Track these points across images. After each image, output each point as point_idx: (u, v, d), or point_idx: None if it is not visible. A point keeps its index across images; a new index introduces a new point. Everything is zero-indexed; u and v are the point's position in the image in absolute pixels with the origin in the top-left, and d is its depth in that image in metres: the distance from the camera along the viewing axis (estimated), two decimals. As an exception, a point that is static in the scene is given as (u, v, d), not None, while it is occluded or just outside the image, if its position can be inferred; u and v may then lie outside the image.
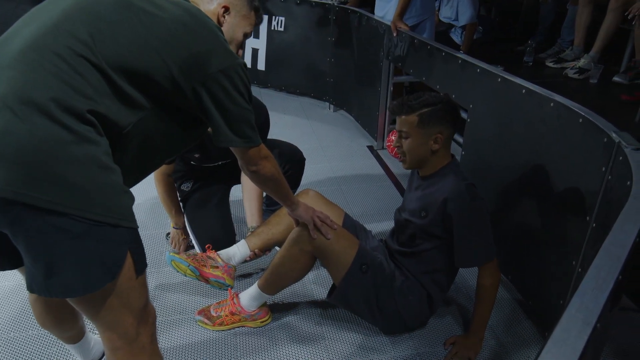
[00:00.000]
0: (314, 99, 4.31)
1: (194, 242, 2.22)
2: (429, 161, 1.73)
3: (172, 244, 2.29)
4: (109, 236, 0.99)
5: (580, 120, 1.63)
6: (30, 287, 1.00)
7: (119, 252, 1.02)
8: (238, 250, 1.95)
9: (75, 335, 1.54)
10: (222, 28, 1.31)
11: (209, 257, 1.91)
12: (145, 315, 1.16)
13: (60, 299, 1.30)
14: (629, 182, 1.24)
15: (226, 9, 1.32)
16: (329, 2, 3.92)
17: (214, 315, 1.88)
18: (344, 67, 3.92)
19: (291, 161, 2.30)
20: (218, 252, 1.95)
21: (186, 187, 2.30)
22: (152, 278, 2.11)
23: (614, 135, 1.47)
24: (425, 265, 1.78)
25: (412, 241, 1.78)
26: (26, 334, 1.82)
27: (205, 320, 1.87)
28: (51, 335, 1.73)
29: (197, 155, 2.19)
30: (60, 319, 1.43)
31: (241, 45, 1.41)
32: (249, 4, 1.37)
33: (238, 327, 1.88)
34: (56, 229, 0.93)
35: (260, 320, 1.89)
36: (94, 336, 1.66)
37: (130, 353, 1.14)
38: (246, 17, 1.37)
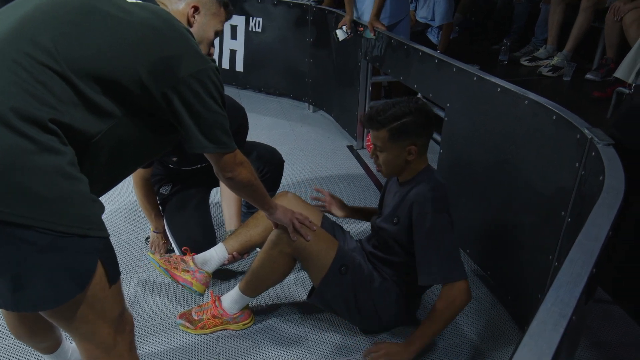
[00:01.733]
0: (293, 99, 4.31)
1: (173, 245, 2.20)
2: (406, 169, 1.73)
3: (151, 247, 2.27)
4: (77, 247, 0.96)
5: (554, 117, 1.67)
6: None
7: (89, 262, 1.00)
8: (215, 254, 1.94)
9: (51, 346, 1.50)
10: (193, 28, 1.30)
11: (182, 261, 1.90)
12: (122, 324, 1.14)
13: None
14: (601, 177, 1.27)
15: (196, 9, 1.30)
16: (306, 3, 3.92)
17: (196, 318, 1.86)
18: (322, 67, 3.93)
19: (270, 163, 2.30)
20: (195, 255, 1.93)
21: (165, 190, 2.27)
22: (131, 283, 2.08)
23: (586, 131, 1.51)
24: (399, 272, 1.79)
25: (385, 249, 1.79)
26: (2, 343, 1.78)
27: (187, 324, 1.86)
28: (26, 346, 1.69)
29: (174, 159, 2.17)
30: (35, 331, 1.39)
31: (212, 44, 1.39)
32: (218, 1, 1.35)
33: (220, 330, 1.87)
34: (21, 241, 0.91)
35: (242, 323, 1.88)
36: (71, 344, 1.61)
37: None
38: (216, 14, 1.35)
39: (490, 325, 1.95)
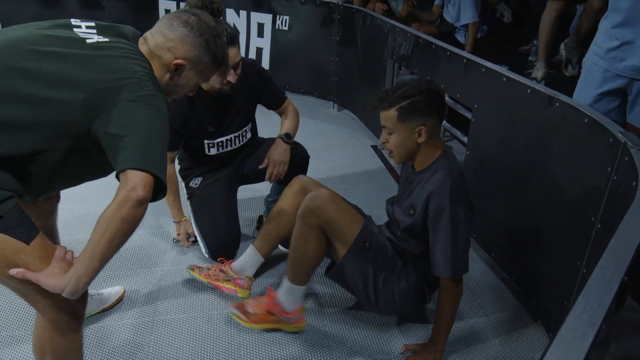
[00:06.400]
0: (318, 98, 4.31)
1: (199, 240, 2.23)
2: (418, 153, 1.67)
3: (178, 236, 2.31)
4: None
5: (586, 120, 1.62)
6: None
7: None
8: (250, 259, 1.99)
9: None
10: (171, 79, 1.32)
11: (222, 271, 1.99)
12: (51, 296, 1.16)
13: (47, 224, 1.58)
14: (634, 183, 1.24)
15: (180, 65, 1.30)
16: (334, 1, 3.91)
17: (251, 312, 1.83)
18: (348, 66, 3.92)
19: (295, 158, 2.29)
20: (232, 264, 2.00)
21: (194, 184, 2.30)
22: (155, 275, 2.12)
23: (619, 135, 1.46)
24: (418, 261, 1.75)
25: (402, 239, 1.77)
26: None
27: (241, 316, 1.83)
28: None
29: (211, 129, 2.18)
30: None
31: (193, 90, 1.41)
32: (212, 60, 1.34)
33: (272, 328, 1.84)
34: None
35: (295, 325, 1.85)
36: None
37: (44, 326, 1.25)
38: (203, 73, 1.36)
39: (514, 332, 1.91)
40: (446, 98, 3.27)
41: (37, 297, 1.20)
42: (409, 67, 3.11)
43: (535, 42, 3.78)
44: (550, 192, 1.82)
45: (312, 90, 4.33)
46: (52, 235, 1.68)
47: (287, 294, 1.81)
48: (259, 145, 2.36)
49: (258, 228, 2.44)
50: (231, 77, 1.99)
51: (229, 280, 1.97)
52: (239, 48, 1.99)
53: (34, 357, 1.35)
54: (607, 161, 1.51)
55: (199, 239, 2.23)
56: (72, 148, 1.17)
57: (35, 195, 1.23)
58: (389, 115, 1.61)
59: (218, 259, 2.10)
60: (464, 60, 2.36)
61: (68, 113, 1.13)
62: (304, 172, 2.34)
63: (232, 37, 1.91)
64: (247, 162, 2.33)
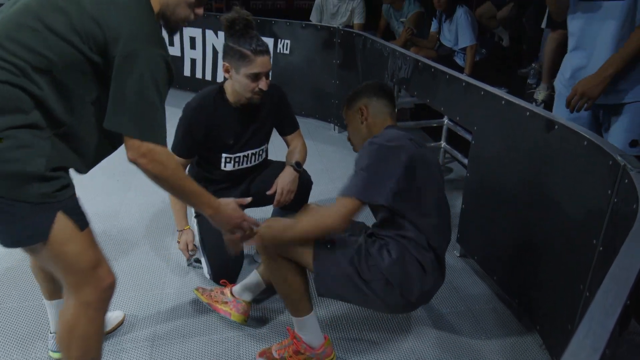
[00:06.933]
0: (319, 120, 4.34)
1: (202, 260, 2.23)
2: (368, 136, 1.71)
3: (180, 247, 2.25)
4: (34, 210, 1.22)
5: (585, 142, 1.63)
6: None
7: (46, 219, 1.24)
8: (251, 283, 1.98)
9: (56, 290, 1.67)
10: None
11: (222, 293, 2.00)
12: (94, 278, 1.33)
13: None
14: (635, 206, 1.24)
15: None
16: (334, 26, 3.97)
17: (277, 357, 1.78)
18: (349, 89, 3.92)
19: (300, 184, 2.29)
20: (233, 287, 2.00)
21: None
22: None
23: (619, 158, 1.47)
24: (393, 230, 1.63)
25: (372, 211, 1.78)
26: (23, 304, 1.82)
27: None
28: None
29: (231, 142, 2.19)
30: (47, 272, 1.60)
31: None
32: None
33: None
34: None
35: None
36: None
37: (72, 307, 1.35)
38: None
39: (517, 355, 1.89)
40: (446, 120, 3.31)
41: (76, 277, 1.32)
42: (408, 90, 3.14)
43: (533, 65, 3.83)
44: (551, 215, 1.82)
45: (313, 112, 4.37)
46: None
47: (302, 329, 1.77)
48: (266, 166, 2.38)
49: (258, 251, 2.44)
50: (263, 85, 2.04)
51: (226, 303, 1.96)
52: (270, 58, 2.05)
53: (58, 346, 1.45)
54: (607, 184, 1.51)
55: (202, 258, 2.23)
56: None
57: (88, 163, 1.35)
58: (344, 110, 1.86)
59: (220, 282, 2.09)
60: (463, 84, 2.39)
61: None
62: (307, 198, 2.36)
63: (266, 46, 2.01)
64: (253, 184, 2.34)
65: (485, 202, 2.27)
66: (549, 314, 1.86)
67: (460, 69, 3.91)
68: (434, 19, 4.35)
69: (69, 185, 1.29)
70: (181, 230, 2.26)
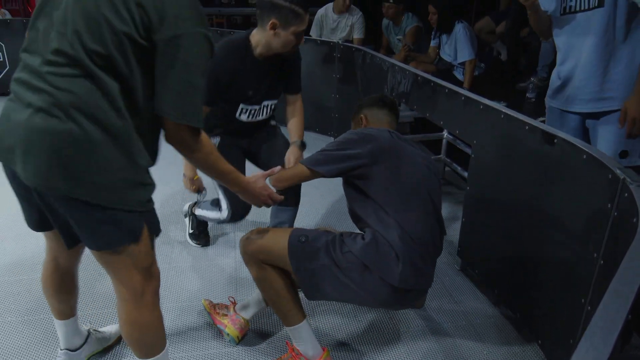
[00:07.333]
0: (319, 133, 4.36)
1: (221, 199, 2.31)
2: None
3: (185, 182, 2.38)
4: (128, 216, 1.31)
5: (584, 156, 1.64)
6: (72, 243, 1.41)
7: (137, 225, 1.34)
8: (253, 301, 1.97)
9: (65, 311, 1.66)
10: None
11: (226, 307, 2.01)
12: (151, 275, 1.42)
13: (70, 266, 1.60)
14: (635, 219, 1.24)
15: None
16: (334, 40, 4.01)
17: None
18: (349, 103, 3.98)
19: None
20: (237, 305, 1.99)
21: (213, 142, 2.32)
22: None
23: (618, 171, 1.48)
24: (369, 219, 1.69)
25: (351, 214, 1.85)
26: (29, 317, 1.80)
27: None
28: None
29: (250, 93, 2.22)
30: (60, 286, 1.61)
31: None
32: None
33: None
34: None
35: None
36: (82, 329, 1.77)
37: (135, 305, 1.41)
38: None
39: (519, 370, 1.88)
40: (445, 134, 3.32)
41: (141, 275, 1.39)
42: (408, 104, 3.16)
43: (532, 79, 3.85)
44: (552, 228, 1.82)
45: (313, 126, 4.39)
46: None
47: (298, 340, 1.78)
48: (274, 135, 2.45)
49: None
50: (302, 41, 2.14)
51: (226, 316, 1.96)
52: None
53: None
54: (607, 197, 1.52)
55: (221, 198, 2.28)
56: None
57: (153, 156, 1.37)
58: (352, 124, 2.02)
59: (229, 297, 2.08)
60: (463, 98, 2.41)
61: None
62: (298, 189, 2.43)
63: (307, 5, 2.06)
64: (262, 146, 2.41)
65: (486, 215, 2.27)
66: (550, 328, 1.85)
67: (460, 84, 3.94)
68: (433, 33, 4.39)
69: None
70: (192, 179, 2.34)
